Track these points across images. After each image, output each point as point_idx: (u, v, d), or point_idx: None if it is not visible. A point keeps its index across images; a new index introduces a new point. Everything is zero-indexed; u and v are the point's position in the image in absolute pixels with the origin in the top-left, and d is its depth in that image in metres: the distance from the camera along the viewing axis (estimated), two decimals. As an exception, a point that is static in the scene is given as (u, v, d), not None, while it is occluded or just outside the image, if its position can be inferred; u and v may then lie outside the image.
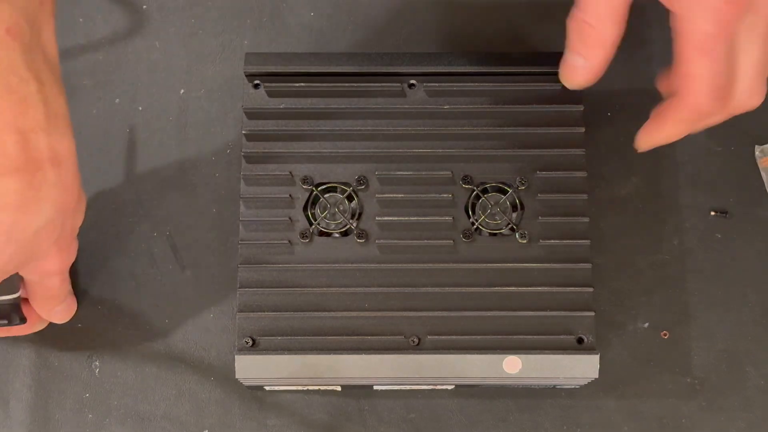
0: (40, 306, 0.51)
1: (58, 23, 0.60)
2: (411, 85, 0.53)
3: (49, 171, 0.41)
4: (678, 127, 0.46)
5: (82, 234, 0.57)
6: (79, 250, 0.57)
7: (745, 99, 0.44)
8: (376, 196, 0.52)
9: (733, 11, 0.41)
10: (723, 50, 0.42)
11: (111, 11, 0.60)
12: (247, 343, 0.50)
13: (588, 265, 0.51)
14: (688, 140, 0.58)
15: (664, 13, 0.56)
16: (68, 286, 0.52)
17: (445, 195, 0.52)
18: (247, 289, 0.51)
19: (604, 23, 0.44)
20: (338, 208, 0.52)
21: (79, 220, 0.48)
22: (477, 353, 0.50)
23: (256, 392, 0.55)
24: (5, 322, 0.50)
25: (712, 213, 0.57)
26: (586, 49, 0.45)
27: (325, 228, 0.52)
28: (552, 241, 0.52)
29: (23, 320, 0.51)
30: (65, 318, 0.53)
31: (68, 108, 0.43)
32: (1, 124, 0.39)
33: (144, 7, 0.60)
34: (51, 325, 0.56)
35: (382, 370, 0.50)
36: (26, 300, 0.51)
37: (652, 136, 0.48)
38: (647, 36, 0.60)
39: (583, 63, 0.46)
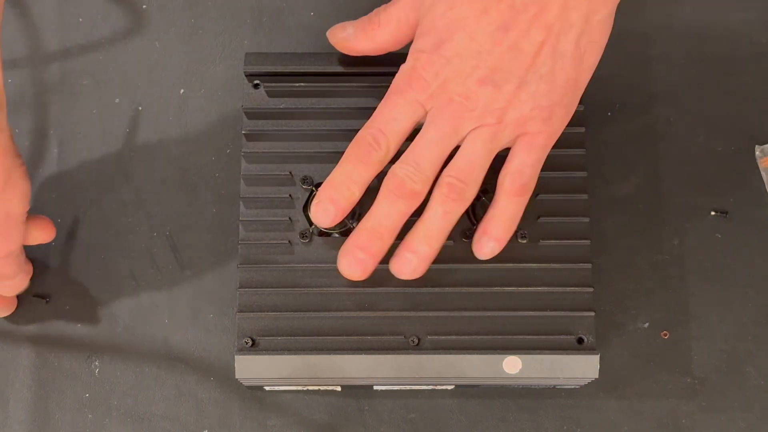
0: None
1: (59, 23, 0.60)
2: (411, 85, 0.53)
3: None
4: None
5: (82, 234, 0.57)
6: (78, 251, 0.57)
7: None
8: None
9: None
10: None
11: (111, 11, 0.60)
12: (247, 343, 0.50)
13: (588, 265, 0.51)
14: (688, 140, 0.58)
15: (664, 13, 0.56)
16: (15, 267, 0.52)
17: (445, 195, 0.52)
18: (247, 289, 0.51)
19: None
20: (338, 208, 0.52)
21: (13, 207, 0.48)
22: (477, 353, 0.50)
23: (256, 392, 0.55)
24: None
25: (713, 213, 0.57)
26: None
27: (324, 228, 0.52)
28: (552, 241, 0.51)
29: None
30: (12, 292, 0.54)
31: None
32: None
33: (144, 7, 0.60)
34: (51, 325, 0.56)
35: (382, 370, 0.50)
36: None
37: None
38: (647, 36, 0.60)
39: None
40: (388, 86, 0.52)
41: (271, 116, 0.53)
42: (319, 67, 0.53)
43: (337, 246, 0.51)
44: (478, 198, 0.52)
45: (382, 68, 0.53)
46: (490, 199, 0.52)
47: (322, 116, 0.53)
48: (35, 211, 0.57)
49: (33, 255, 0.57)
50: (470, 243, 0.51)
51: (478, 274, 0.51)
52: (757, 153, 0.58)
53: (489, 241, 0.48)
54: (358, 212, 0.52)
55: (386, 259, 0.51)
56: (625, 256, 0.57)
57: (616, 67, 0.56)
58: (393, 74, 0.53)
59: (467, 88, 0.45)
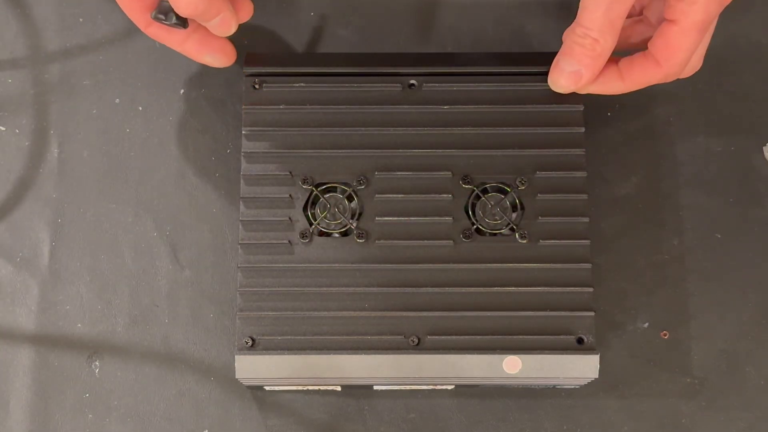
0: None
1: (59, 23, 0.60)
2: (411, 85, 0.53)
3: None
4: (634, 85, 0.51)
5: (82, 234, 0.57)
6: (78, 251, 0.57)
7: (690, 70, 0.52)
8: (376, 196, 0.52)
9: (726, 2, 0.48)
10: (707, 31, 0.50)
11: (111, 11, 0.60)
12: (247, 343, 0.50)
13: (588, 265, 0.51)
14: (688, 140, 0.58)
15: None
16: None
17: (445, 195, 0.52)
18: (247, 289, 0.51)
19: (605, 36, 0.48)
20: (338, 208, 0.52)
21: None
22: (477, 353, 0.50)
23: (256, 392, 0.55)
24: (162, 17, 0.51)
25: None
26: (587, 59, 0.49)
27: (325, 228, 0.52)
28: (552, 241, 0.52)
29: (184, 22, 0.51)
30: (224, 31, 0.52)
31: None
32: None
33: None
34: (50, 325, 0.56)
35: (382, 370, 0.50)
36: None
37: (594, 85, 0.51)
38: (647, 36, 0.60)
39: (581, 71, 0.50)
40: (388, 86, 0.52)
41: (271, 116, 0.53)
42: (319, 68, 0.53)
43: (337, 246, 0.51)
44: (477, 198, 0.52)
45: (382, 68, 0.53)
46: (490, 199, 0.52)
47: (322, 116, 0.53)
48: (35, 210, 0.57)
49: (31, 254, 0.57)
50: (470, 243, 0.51)
51: (478, 274, 0.51)
52: (766, 153, 0.58)
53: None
54: (358, 212, 0.52)
55: (385, 258, 0.51)
56: (625, 256, 0.57)
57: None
58: (393, 74, 0.53)
59: None
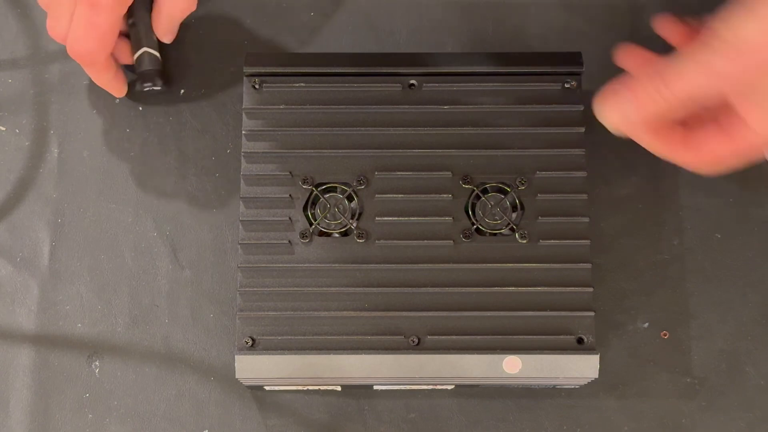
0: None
1: (59, 23, 0.60)
2: (411, 85, 0.53)
3: None
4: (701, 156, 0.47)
5: (82, 234, 0.57)
6: (78, 251, 0.57)
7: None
8: (376, 196, 0.52)
9: None
10: None
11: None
12: (247, 343, 0.50)
13: (588, 265, 0.51)
14: (688, 140, 0.58)
15: (663, 13, 0.56)
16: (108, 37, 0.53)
17: (445, 195, 0.52)
18: (247, 289, 0.51)
19: (679, 103, 0.44)
20: (338, 208, 0.52)
21: None
22: (477, 353, 0.50)
23: (256, 392, 0.55)
24: (150, 84, 0.57)
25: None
26: (647, 110, 0.45)
27: (325, 228, 0.52)
28: (552, 241, 0.51)
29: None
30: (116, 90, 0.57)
31: None
32: None
33: None
34: (50, 325, 0.56)
35: (382, 370, 0.50)
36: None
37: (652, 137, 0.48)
38: (647, 36, 0.59)
39: (630, 113, 0.46)
40: (388, 86, 0.52)
41: (271, 116, 0.53)
42: (319, 67, 0.53)
43: (337, 246, 0.51)
44: (477, 198, 0.52)
45: (382, 68, 0.53)
46: (490, 199, 0.52)
47: (322, 116, 0.53)
48: (35, 210, 0.57)
49: (31, 254, 0.57)
50: (470, 243, 0.51)
51: (478, 274, 0.51)
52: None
53: None
54: (358, 212, 0.52)
55: (385, 258, 0.51)
56: (625, 256, 0.57)
57: (617, 68, 0.55)
58: (393, 74, 0.53)
59: None
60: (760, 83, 0.43)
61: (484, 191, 0.52)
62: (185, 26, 0.59)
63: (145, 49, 0.56)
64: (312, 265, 0.51)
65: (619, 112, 0.46)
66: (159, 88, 0.57)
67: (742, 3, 0.42)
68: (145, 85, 0.57)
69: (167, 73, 0.58)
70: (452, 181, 0.52)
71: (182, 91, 0.59)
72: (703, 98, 0.44)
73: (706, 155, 0.47)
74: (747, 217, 0.57)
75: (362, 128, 0.53)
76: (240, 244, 0.51)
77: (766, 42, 0.42)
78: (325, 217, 0.52)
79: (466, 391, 0.55)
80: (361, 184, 0.52)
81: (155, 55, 0.57)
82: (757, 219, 0.57)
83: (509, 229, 0.52)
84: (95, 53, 0.53)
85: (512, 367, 0.50)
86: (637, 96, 0.45)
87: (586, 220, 0.52)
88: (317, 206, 0.52)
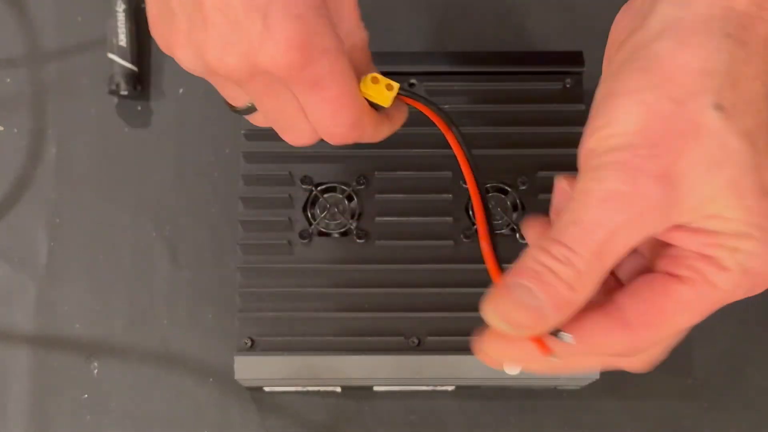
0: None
1: (57, 22, 0.60)
2: (411, 85, 0.53)
3: None
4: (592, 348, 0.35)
5: (81, 234, 0.57)
6: (77, 251, 0.57)
7: (643, 363, 0.38)
8: (376, 196, 0.52)
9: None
10: None
11: (111, 11, 0.60)
12: (247, 343, 0.50)
13: (589, 266, 0.51)
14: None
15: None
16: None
17: (445, 195, 0.52)
18: (246, 290, 0.51)
19: (593, 273, 0.33)
20: (338, 208, 0.52)
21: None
22: (477, 354, 0.50)
23: (255, 393, 0.55)
24: None
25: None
26: (559, 298, 0.33)
27: (324, 228, 0.52)
28: (553, 241, 0.51)
29: None
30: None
31: None
32: None
33: (143, 6, 0.60)
34: (48, 326, 0.56)
35: (382, 370, 0.50)
36: None
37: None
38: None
39: (545, 310, 0.33)
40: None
41: (271, 116, 0.53)
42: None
43: (337, 246, 0.51)
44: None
45: (381, 67, 0.53)
46: (491, 199, 0.52)
47: (321, 116, 0.53)
48: (33, 210, 0.57)
49: (29, 255, 0.56)
50: (471, 243, 0.51)
51: (478, 275, 0.51)
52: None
53: None
54: (358, 212, 0.52)
55: (385, 258, 0.51)
56: (626, 256, 0.57)
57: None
58: (393, 73, 0.53)
59: None
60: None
61: (485, 191, 0.52)
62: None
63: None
64: (312, 265, 0.51)
65: (532, 315, 0.33)
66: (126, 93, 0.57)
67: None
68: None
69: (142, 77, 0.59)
70: (452, 181, 0.52)
71: (181, 90, 0.59)
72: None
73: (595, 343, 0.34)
74: (749, 217, 0.57)
75: (362, 128, 0.52)
76: (239, 244, 0.51)
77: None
78: (325, 218, 0.52)
79: (467, 392, 0.55)
80: (360, 184, 0.52)
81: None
82: (758, 219, 0.57)
83: (510, 229, 0.52)
84: (359, 124, 0.39)
85: (513, 367, 0.50)
86: (549, 291, 0.33)
87: (588, 220, 0.52)
88: (317, 206, 0.52)
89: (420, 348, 0.50)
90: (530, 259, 0.33)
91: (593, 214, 0.32)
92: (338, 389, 0.54)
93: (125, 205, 0.57)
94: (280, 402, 0.55)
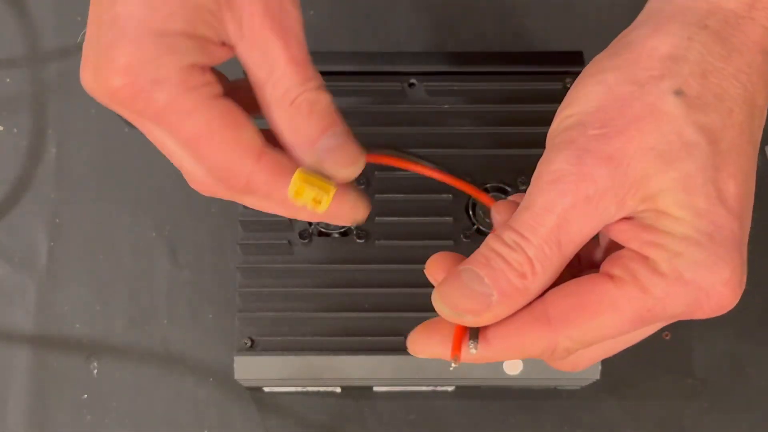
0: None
1: (57, 22, 0.60)
2: (411, 85, 0.53)
3: None
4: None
5: (80, 234, 0.57)
6: (76, 251, 0.57)
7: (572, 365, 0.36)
8: (376, 196, 0.52)
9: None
10: None
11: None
12: (246, 343, 0.50)
13: (589, 266, 0.51)
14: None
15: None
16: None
17: (445, 195, 0.52)
18: (246, 289, 0.51)
19: (547, 260, 0.32)
20: (338, 208, 0.52)
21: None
22: (477, 354, 0.50)
23: (255, 393, 0.55)
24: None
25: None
26: (508, 284, 0.32)
27: (324, 228, 0.52)
28: (553, 241, 0.51)
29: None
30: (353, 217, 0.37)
31: None
32: None
33: (143, 6, 0.60)
34: (48, 326, 0.56)
35: (382, 371, 0.50)
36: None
37: (504, 329, 0.33)
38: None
39: (492, 297, 0.32)
40: (388, 85, 0.52)
41: (271, 116, 0.53)
42: (319, 67, 0.53)
43: (337, 246, 0.51)
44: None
45: (381, 67, 0.53)
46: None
47: (321, 116, 0.53)
48: (33, 210, 0.57)
49: (29, 255, 0.56)
50: (471, 243, 0.51)
51: (478, 275, 0.51)
52: None
53: None
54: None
55: (385, 259, 0.51)
56: (627, 256, 0.56)
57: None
58: (393, 73, 0.53)
59: None
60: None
61: (485, 191, 0.52)
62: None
63: None
64: (311, 265, 0.51)
65: (477, 300, 0.32)
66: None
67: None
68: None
69: None
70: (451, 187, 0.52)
71: (181, 90, 0.59)
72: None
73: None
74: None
75: (362, 127, 0.52)
76: (239, 244, 0.51)
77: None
78: (325, 217, 0.52)
79: (467, 392, 0.55)
80: (360, 184, 0.52)
81: None
82: (759, 219, 0.57)
83: (510, 229, 0.52)
84: (229, 180, 0.36)
85: (513, 368, 0.50)
86: (496, 278, 0.32)
87: (588, 220, 0.52)
88: (317, 206, 0.52)
89: (420, 348, 0.50)
90: (484, 246, 0.33)
91: (543, 198, 0.31)
92: (338, 389, 0.54)
93: (125, 205, 0.57)
94: (280, 402, 0.55)
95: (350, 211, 0.37)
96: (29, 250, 0.57)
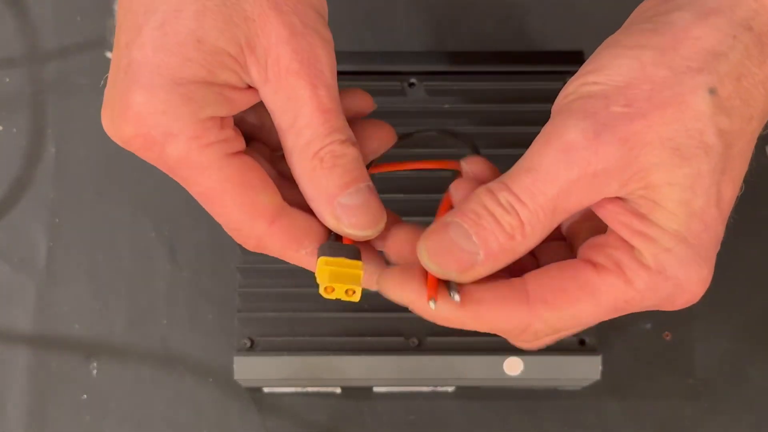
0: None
1: (56, 22, 0.60)
2: (411, 84, 0.53)
3: None
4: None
5: (80, 234, 0.57)
6: (76, 251, 0.57)
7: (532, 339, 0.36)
8: (376, 196, 0.52)
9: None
10: None
11: (110, 10, 0.60)
12: (246, 344, 0.50)
13: (590, 266, 0.51)
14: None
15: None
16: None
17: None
18: (246, 290, 0.50)
19: (538, 225, 0.31)
20: (338, 208, 0.52)
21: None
22: (478, 355, 0.49)
23: (255, 394, 0.55)
24: None
25: None
26: (497, 244, 0.31)
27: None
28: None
29: None
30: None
31: None
32: None
33: (142, 5, 0.60)
34: (47, 326, 0.56)
35: (382, 371, 0.49)
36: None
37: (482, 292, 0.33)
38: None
39: (478, 256, 0.32)
40: (388, 85, 0.52)
41: (271, 115, 0.53)
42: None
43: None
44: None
45: (381, 67, 0.53)
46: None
47: (321, 115, 0.52)
48: (32, 210, 0.57)
49: (28, 255, 0.56)
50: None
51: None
52: None
53: None
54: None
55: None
56: (627, 256, 0.56)
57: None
58: (393, 72, 0.53)
59: None
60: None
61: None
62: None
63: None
64: (311, 265, 0.51)
65: (461, 259, 0.32)
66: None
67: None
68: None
69: None
70: (452, 180, 0.52)
71: (181, 90, 0.59)
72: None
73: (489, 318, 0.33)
74: (750, 217, 0.57)
75: (362, 127, 0.52)
76: (239, 244, 0.51)
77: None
78: (325, 217, 0.51)
79: (467, 392, 0.55)
80: (360, 184, 0.52)
81: None
82: (760, 219, 0.57)
83: (510, 229, 0.52)
84: (244, 236, 0.35)
85: (513, 368, 0.49)
86: (485, 238, 0.31)
87: (588, 220, 0.52)
88: (317, 206, 0.52)
89: (420, 348, 0.50)
90: (475, 201, 0.32)
91: (549, 165, 0.30)
92: (338, 390, 0.54)
93: (125, 205, 0.57)
94: (280, 402, 0.55)
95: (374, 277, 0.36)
96: (28, 250, 0.57)
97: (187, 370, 0.55)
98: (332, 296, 0.33)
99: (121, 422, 0.55)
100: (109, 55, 0.57)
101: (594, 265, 0.31)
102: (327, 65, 0.33)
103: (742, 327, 0.56)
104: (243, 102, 0.33)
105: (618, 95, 0.30)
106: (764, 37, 0.31)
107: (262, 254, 0.50)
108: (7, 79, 0.59)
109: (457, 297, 0.32)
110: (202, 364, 0.55)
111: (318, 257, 0.34)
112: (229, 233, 0.34)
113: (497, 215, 0.31)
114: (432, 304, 0.32)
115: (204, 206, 0.34)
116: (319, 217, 0.34)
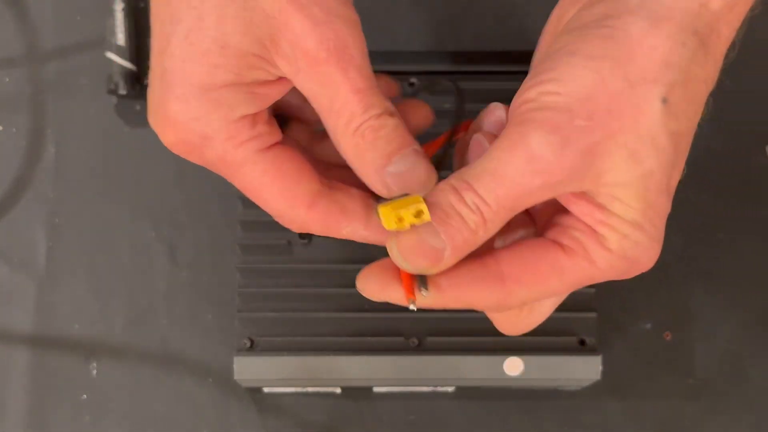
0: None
1: (56, 22, 0.60)
2: (411, 84, 0.53)
3: None
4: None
5: (79, 234, 0.57)
6: (75, 251, 0.57)
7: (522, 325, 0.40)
8: (376, 196, 0.52)
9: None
10: None
11: (110, 10, 0.60)
12: (246, 344, 0.50)
13: (590, 266, 0.51)
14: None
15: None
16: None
17: (445, 195, 0.52)
18: (245, 290, 0.50)
19: (497, 221, 0.34)
20: (338, 208, 0.52)
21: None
22: (478, 355, 0.49)
23: (254, 394, 0.55)
24: None
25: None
26: (461, 239, 0.34)
27: (324, 228, 0.51)
28: (553, 241, 0.51)
29: None
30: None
31: None
32: None
33: (142, 5, 0.60)
34: (47, 326, 0.56)
35: (382, 371, 0.49)
36: None
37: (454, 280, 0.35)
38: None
39: (445, 251, 0.34)
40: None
41: (270, 115, 0.53)
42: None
43: (337, 246, 0.51)
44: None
45: (381, 66, 0.53)
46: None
47: (321, 115, 0.52)
48: (32, 210, 0.57)
49: (28, 255, 0.56)
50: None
51: (478, 275, 0.51)
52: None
53: None
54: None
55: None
56: (627, 256, 0.56)
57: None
58: (393, 72, 0.53)
59: None
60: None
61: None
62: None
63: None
64: (311, 265, 0.51)
65: (431, 255, 0.34)
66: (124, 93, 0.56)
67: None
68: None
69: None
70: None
71: (180, 90, 0.59)
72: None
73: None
74: (750, 217, 0.57)
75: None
76: (239, 244, 0.51)
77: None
78: (325, 217, 0.51)
79: (467, 392, 0.55)
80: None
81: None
82: (760, 219, 0.57)
83: (510, 229, 0.52)
84: (290, 221, 0.37)
85: (513, 368, 0.49)
86: (452, 233, 0.34)
87: (588, 220, 0.51)
88: (317, 206, 0.52)
89: (420, 348, 0.50)
90: (443, 199, 0.34)
91: (514, 173, 0.33)
92: (338, 390, 0.54)
93: (124, 205, 0.57)
94: (280, 402, 0.55)
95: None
96: (28, 250, 0.57)
97: (186, 370, 0.55)
98: (403, 225, 0.34)
99: (121, 422, 0.55)
100: (109, 55, 0.57)
101: (562, 246, 0.34)
102: (355, 47, 0.34)
103: (743, 327, 0.56)
104: (276, 92, 0.35)
105: (581, 109, 0.32)
106: (706, 38, 0.33)
107: (262, 254, 0.51)
108: (7, 79, 0.59)
109: (425, 293, 0.35)
110: (201, 364, 0.55)
111: (377, 207, 0.35)
112: (275, 219, 0.37)
113: (463, 215, 0.33)
114: (413, 306, 0.35)
115: (249, 198, 0.36)
116: (372, 188, 0.36)
